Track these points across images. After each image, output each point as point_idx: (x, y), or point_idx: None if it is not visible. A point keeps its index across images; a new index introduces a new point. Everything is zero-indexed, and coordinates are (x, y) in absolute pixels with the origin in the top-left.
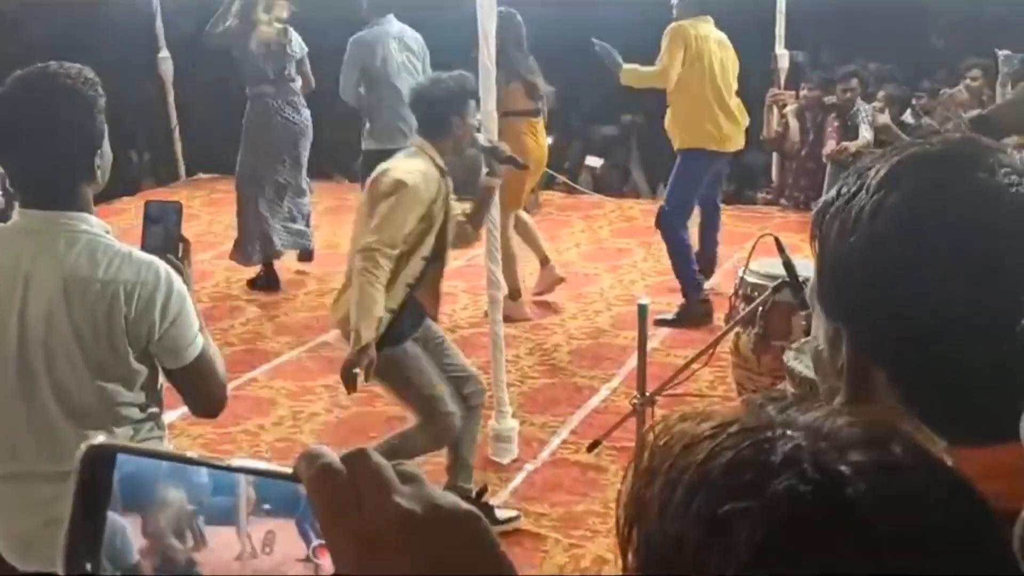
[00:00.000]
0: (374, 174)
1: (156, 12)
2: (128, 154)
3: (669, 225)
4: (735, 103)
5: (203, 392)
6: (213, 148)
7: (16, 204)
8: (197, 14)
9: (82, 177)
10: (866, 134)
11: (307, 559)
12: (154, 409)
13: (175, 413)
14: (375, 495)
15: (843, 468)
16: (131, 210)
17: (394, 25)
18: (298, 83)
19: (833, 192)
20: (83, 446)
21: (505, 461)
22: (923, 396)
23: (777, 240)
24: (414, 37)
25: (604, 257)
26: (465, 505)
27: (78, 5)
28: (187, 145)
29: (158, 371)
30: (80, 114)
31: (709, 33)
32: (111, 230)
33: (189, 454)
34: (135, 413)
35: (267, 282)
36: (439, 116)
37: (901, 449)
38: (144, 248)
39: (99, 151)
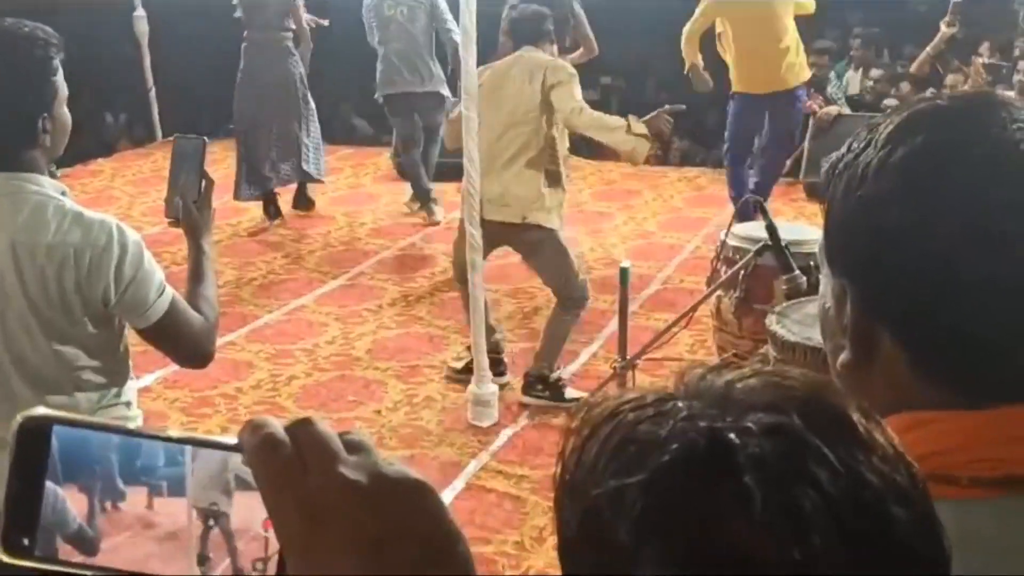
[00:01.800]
0: (536, 69)
1: None
2: (103, 115)
3: None
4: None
5: (182, 347)
6: (190, 109)
7: None
8: None
9: (25, 139)
10: (837, 101)
11: (255, 534)
12: (117, 375)
13: (151, 377)
14: (320, 465)
15: (732, 435)
16: (106, 171)
17: None
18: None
19: (843, 148)
20: (17, 417)
21: (485, 425)
22: (927, 355)
23: (760, 203)
24: None
25: (583, 220)
26: (413, 475)
27: None
28: (163, 106)
29: (120, 335)
30: (21, 73)
31: None
32: (67, 191)
33: (128, 426)
34: (96, 378)
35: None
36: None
37: (802, 417)
38: (169, 183)
39: (46, 114)
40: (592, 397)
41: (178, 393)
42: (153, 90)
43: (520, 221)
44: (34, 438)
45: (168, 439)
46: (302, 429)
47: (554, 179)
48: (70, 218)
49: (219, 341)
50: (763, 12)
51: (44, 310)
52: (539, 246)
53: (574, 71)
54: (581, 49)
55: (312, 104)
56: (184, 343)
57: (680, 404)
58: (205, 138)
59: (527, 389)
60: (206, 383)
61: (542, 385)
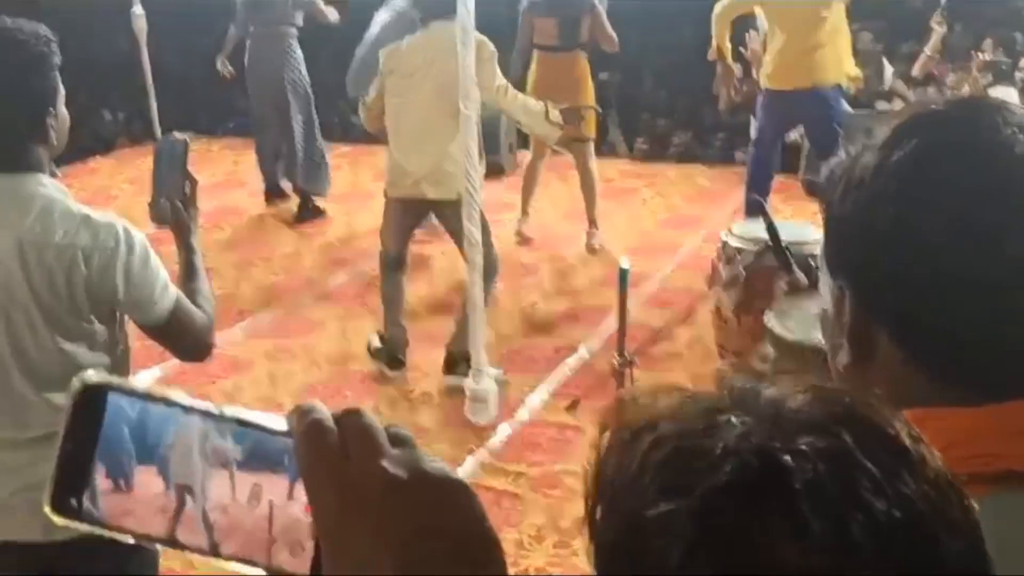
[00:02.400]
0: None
1: None
2: (101, 113)
3: None
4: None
5: (186, 342)
6: (188, 107)
7: None
8: None
9: (33, 138)
10: None
11: (292, 518)
12: (118, 372)
13: (148, 373)
14: (363, 456)
15: (786, 458)
16: (104, 169)
17: None
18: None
19: (842, 152)
20: (75, 381)
21: (483, 421)
22: (923, 354)
23: (760, 202)
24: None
25: (582, 217)
26: (454, 474)
27: None
28: (161, 103)
29: (121, 331)
30: (29, 71)
31: None
32: (67, 192)
33: (181, 398)
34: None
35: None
36: None
37: (854, 438)
38: (153, 185)
39: (51, 110)
40: (626, 394)
41: (177, 390)
42: (152, 87)
43: (456, 197)
44: (89, 402)
45: (221, 416)
46: (350, 419)
47: (479, 153)
48: (78, 220)
49: (219, 338)
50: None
51: (52, 308)
52: None
53: (494, 49)
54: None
55: (314, 115)
56: (188, 338)
57: (732, 420)
58: (187, 139)
59: (451, 368)
60: (205, 379)
61: (467, 363)
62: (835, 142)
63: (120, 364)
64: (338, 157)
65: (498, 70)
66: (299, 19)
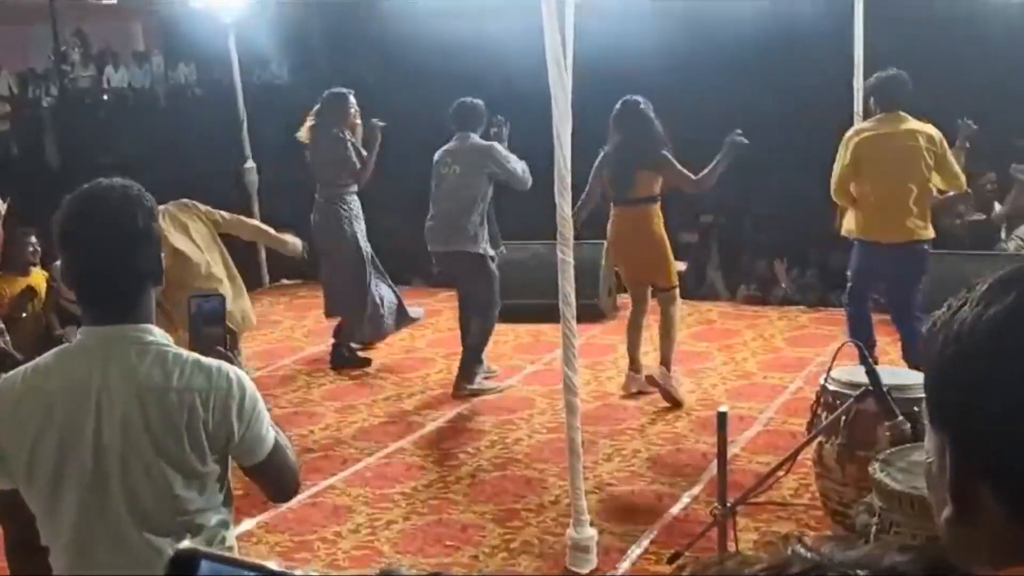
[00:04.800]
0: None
1: (242, 123)
2: None
3: None
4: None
5: (280, 482)
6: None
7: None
8: (282, 125)
9: (151, 285)
10: None
11: None
12: (224, 519)
13: (251, 521)
14: None
15: None
16: None
17: (454, 140)
18: None
19: (944, 307)
20: (169, 549)
21: (584, 571)
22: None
23: (859, 346)
24: (470, 146)
25: (683, 360)
26: None
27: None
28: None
29: (229, 474)
30: (147, 223)
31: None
32: (171, 339)
33: (270, 565)
34: (209, 522)
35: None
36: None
37: None
38: (192, 339)
39: (159, 267)
40: (701, 561)
41: (278, 537)
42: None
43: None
44: (184, 569)
45: None
46: None
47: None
48: (191, 364)
49: (320, 485)
50: (905, 156)
51: (171, 452)
52: None
53: None
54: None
55: (373, 264)
56: (285, 476)
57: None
58: (223, 294)
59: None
60: (306, 527)
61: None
62: (910, 301)
63: (227, 512)
64: (440, 302)
65: None
66: (348, 176)
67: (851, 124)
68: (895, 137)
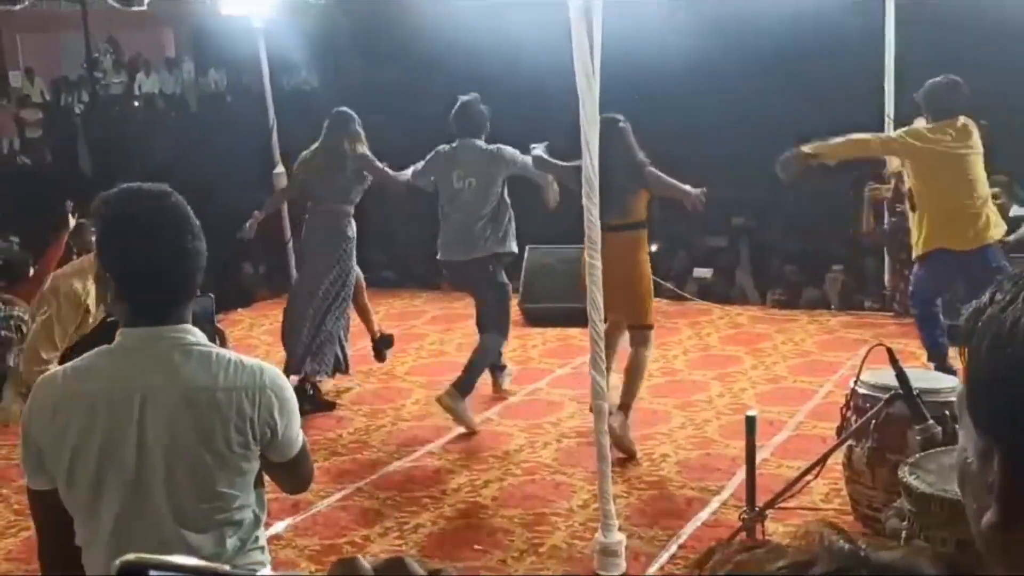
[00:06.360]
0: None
1: (272, 129)
2: (243, 266)
3: None
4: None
5: (304, 475)
6: None
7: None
8: (311, 131)
9: (186, 297)
10: None
11: None
12: (259, 518)
13: (281, 524)
14: None
15: None
16: (245, 320)
17: (458, 147)
18: None
19: (986, 297)
20: (115, 562)
21: (613, 575)
22: None
23: (889, 350)
24: (480, 155)
25: (712, 364)
26: None
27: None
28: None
29: (262, 472)
30: (182, 238)
31: None
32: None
33: (223, 568)
34: (247, 520)
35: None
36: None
37: None
38: None
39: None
40: (724, 549)
41: (308, 540)
42: (291, 242)
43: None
44: None
45: None
46: (389, 570)
47: None
48: (234, 363)
49: (348, 488)
50: (957, 164)
51: (221, 451)
52: None
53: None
54: None
55: (346, 295)
56: (307, 472)
57: None
58: (211, 295)
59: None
60: (335, 531)
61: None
62: None
63: (261, 511)
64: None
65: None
66: (353, 197)
67: (882, 128)
68: (957, 149)
